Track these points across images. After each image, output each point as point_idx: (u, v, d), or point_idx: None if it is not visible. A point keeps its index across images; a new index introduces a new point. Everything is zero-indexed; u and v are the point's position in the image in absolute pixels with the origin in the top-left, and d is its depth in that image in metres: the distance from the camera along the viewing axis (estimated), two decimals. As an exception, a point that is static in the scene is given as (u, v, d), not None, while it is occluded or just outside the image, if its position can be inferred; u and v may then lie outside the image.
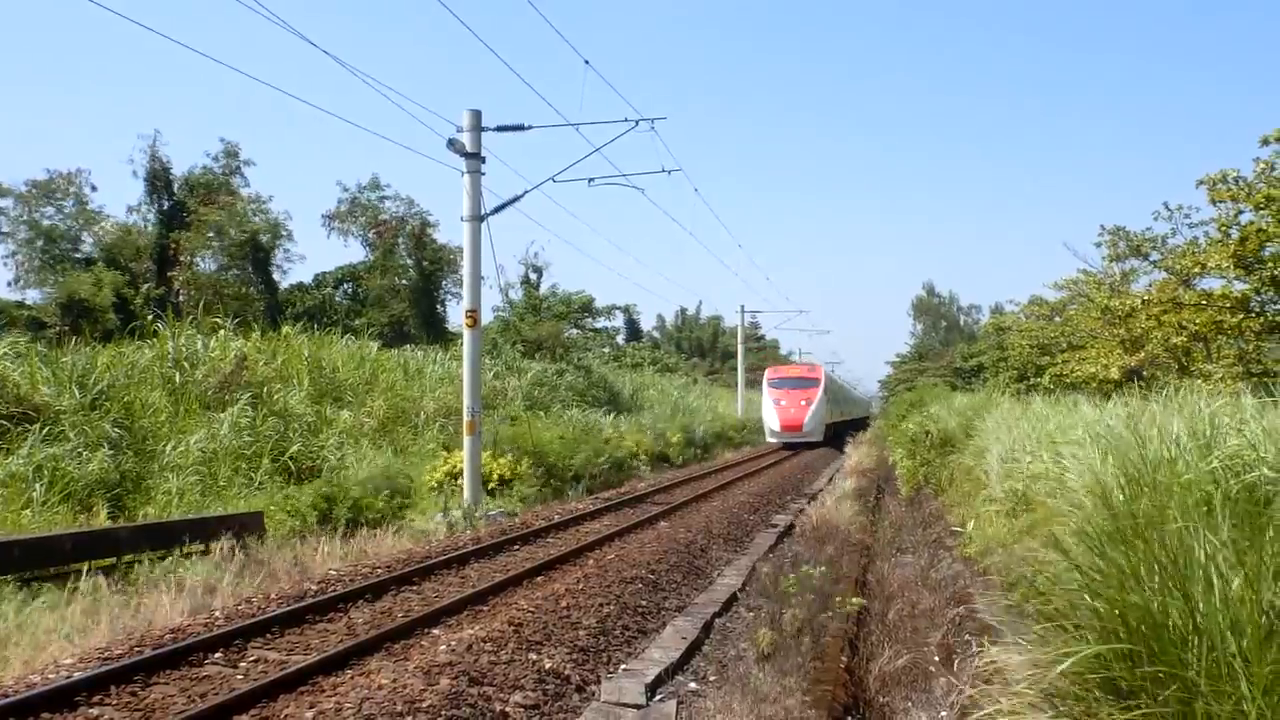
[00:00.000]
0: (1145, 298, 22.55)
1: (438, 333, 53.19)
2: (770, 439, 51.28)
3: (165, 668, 8.67)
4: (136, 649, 9.07)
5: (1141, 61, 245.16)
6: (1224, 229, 17.44)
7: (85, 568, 12.46)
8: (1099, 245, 28.54)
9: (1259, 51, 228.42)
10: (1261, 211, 15.72)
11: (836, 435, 55.79)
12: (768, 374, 53.56)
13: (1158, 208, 24.49)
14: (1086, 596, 5.00)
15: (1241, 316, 17.26)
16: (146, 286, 43.87)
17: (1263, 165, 16.90)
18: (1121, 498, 5.72)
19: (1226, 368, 18.98)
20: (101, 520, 15.00)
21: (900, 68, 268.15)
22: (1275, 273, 15.96)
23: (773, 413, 50.14)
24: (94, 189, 48.85)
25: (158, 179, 48.48)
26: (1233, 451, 6.39)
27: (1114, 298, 25.37)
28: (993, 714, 5.14)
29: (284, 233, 51.54)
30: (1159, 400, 9.83)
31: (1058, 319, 34.20)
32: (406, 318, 53.28)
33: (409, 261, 55.25)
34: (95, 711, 7.64)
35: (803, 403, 49.57)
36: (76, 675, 8.14)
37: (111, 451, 17.08)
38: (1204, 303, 18.81)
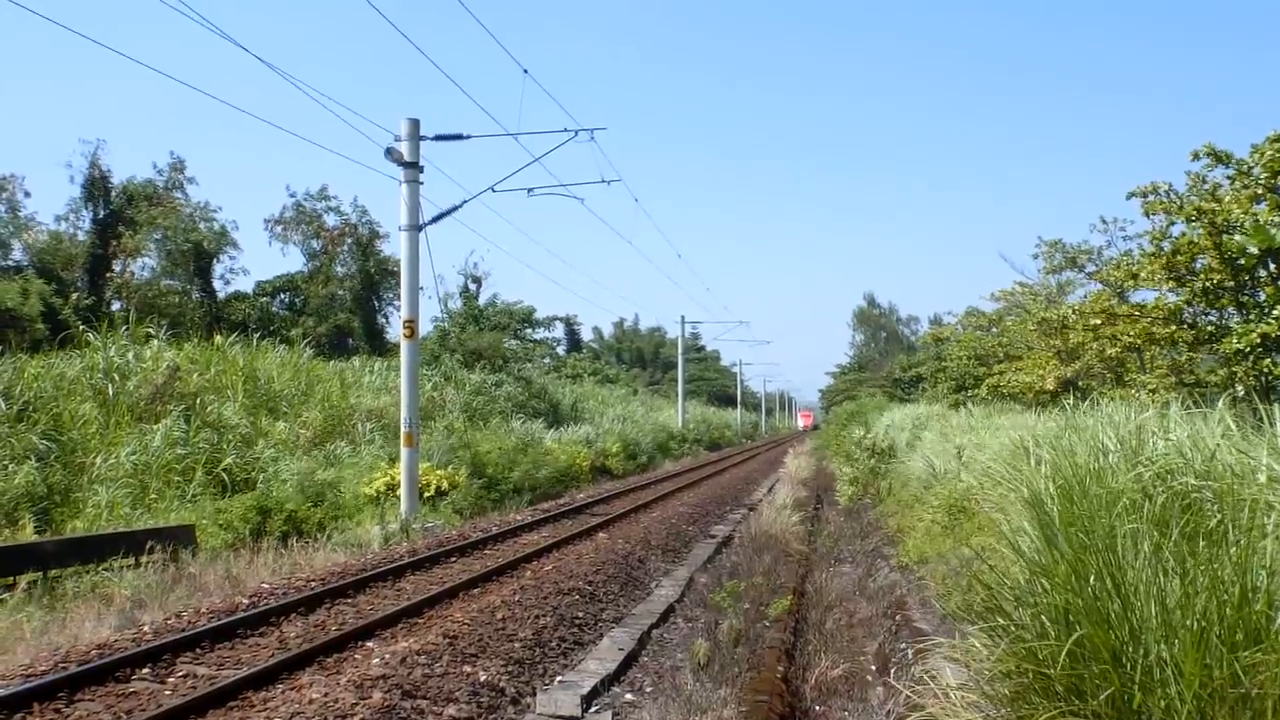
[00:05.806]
0: (1079, 309, 22.81)
1: (378, 343, 52.72)
2: (799, 429, 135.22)
3: (91, 684, 8.47)
4: (61, 665, 8.86)
5: (1082, 76, 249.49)
6: (1156, 241, 17.62)
7: (9, 583, 12.20)
8: (1036, 257, 28.92)
9: (1197, 67, 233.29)
10: (1193, 224, 15.87)
11: (815, 428, 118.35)
12: (800, 410, 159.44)
13: (1094, 220, 24.85)
14: (1038, 588, 5.02)
15: (1174, 328, 17.45)
16: (76, 295, 42.92)
17: (1194, 178, 17.11)
18: (1056, 506, 5.73)
19: (1160, 378, 19.22)
20: (28, 534, 14.68)
21: (840, 86, 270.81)
22: (1207, 285, 16.14)
23: (800, 421, 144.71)
24: (27, 195, 47.77)
25: (95, 186, 47.56)
26: (1161, 459, 6.43)
27: (1050, 309, 25.63)
28: (930, 715, 5.14)
29: (229, 241, 50.76)
30: (1088, 412, 9.91)
31: (995, 330, 34.53)
32: (352, 328, 52.76)
33: (354, 270, 54.67)
34: (16, 730, 7.45)
35: (809, 417, 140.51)
36: (-3, 692, 7.93)
37: (39, 464, 16.72)
38: (1137, 315, 19.03)
